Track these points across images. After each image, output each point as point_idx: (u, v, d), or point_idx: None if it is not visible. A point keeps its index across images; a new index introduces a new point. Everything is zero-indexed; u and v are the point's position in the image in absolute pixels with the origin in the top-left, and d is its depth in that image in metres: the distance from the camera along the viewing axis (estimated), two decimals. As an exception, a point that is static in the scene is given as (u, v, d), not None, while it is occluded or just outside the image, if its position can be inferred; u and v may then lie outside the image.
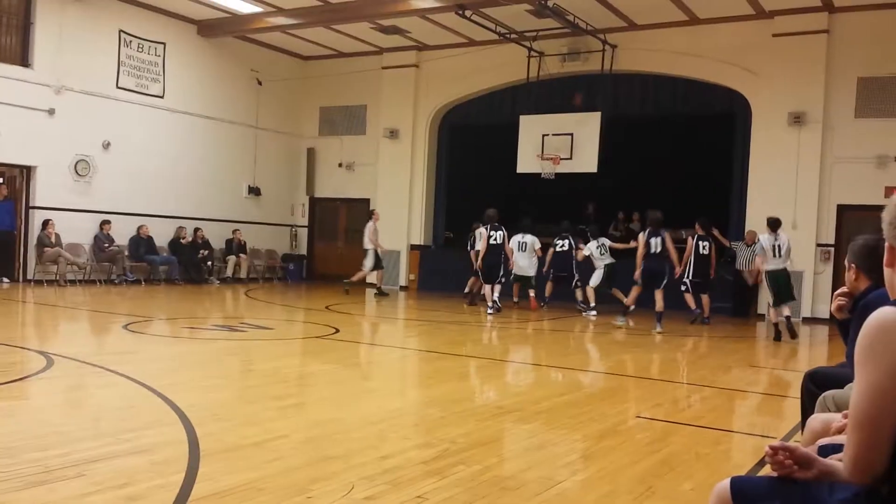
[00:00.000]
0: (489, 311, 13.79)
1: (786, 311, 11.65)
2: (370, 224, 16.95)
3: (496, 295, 14.12)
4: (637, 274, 12.42)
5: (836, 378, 4.05)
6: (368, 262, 16.88)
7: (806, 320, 15.23)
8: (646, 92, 17.55)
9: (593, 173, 16.55)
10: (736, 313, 15.53)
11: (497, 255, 14.35)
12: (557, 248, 15.10)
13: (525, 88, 17.99)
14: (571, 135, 16.85)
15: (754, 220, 15.84)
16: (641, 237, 12.60)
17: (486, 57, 18.59)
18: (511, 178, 17.65)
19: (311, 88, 21.40)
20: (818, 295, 15.21)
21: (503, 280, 14.40)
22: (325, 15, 17.05)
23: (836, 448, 2.89)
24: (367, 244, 16.91)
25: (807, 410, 4.14)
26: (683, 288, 13.59)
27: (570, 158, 16.76)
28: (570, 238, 15.07)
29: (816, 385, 4.14)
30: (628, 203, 18.82)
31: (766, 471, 2.31)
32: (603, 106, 16.88)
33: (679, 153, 17.88)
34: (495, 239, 14.32)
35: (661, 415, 6.08)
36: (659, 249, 12.41)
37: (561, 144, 16.88)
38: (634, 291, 12.64)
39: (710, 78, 16.61)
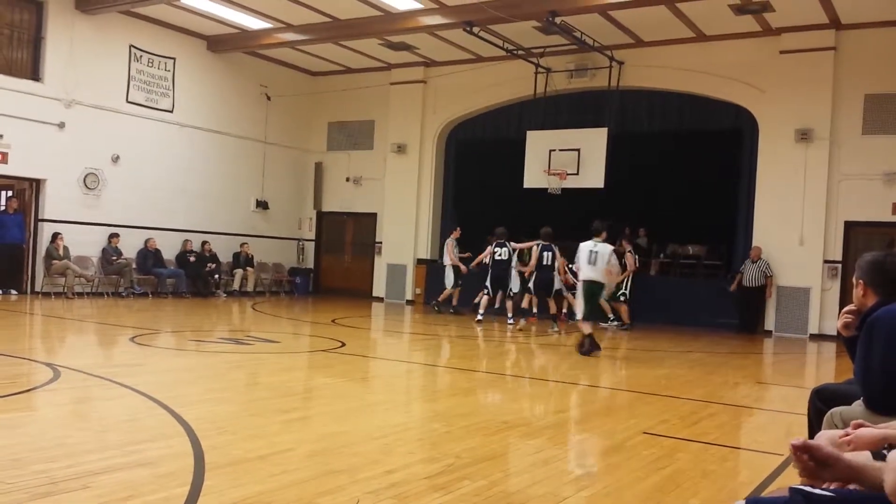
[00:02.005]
0: (509, 322, 14.73)
1: (587, 328, 10.74)
2: (449, 240, 17.13)
3: (481, 310, 14.98)
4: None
5: (843, 395, 4.04)
6: (448, 279, 16.95)
7: (813, 337, 15.17)
8: (653, 108, 17.58)
9: (600, 188, 16.56)
10: (743, 329, 15.49)
11: (502, 269, 14.98)
12: (496, 257, 15.03)
13: (532, 104, 18.05)
14: (578, 150, 16.88)
15: (761, 236, 15.84)
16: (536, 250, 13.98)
17: (494, 73, 18.67)
18: (518, 193, 17.67)
19: (320, 103, 21.51)
20: (825, 312, 15.16)
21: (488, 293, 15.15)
22: (334, 31, 17.16)
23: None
24: (447, 260, 17.07)
25: (814, 427, 4.12)
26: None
27: (577, 174, 16.79)
28: (508, 246, 15.12)
29: (823, 402, 4.12)
30: (635, 218, 18.81)
31: (777, 486, 2.31)
32: (610, 122, 16.92)
33: (686, 169, 17.87)
34: (500, 255, 14.93)
35: (667, 431, 6.05)
36: (549, 262, 13.80)
37: (568, 160, 16.91)
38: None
39: (717, 94, 16.63)
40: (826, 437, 3.38)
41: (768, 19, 15.24)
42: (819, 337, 15.13)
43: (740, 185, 16.86)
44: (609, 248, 10.79)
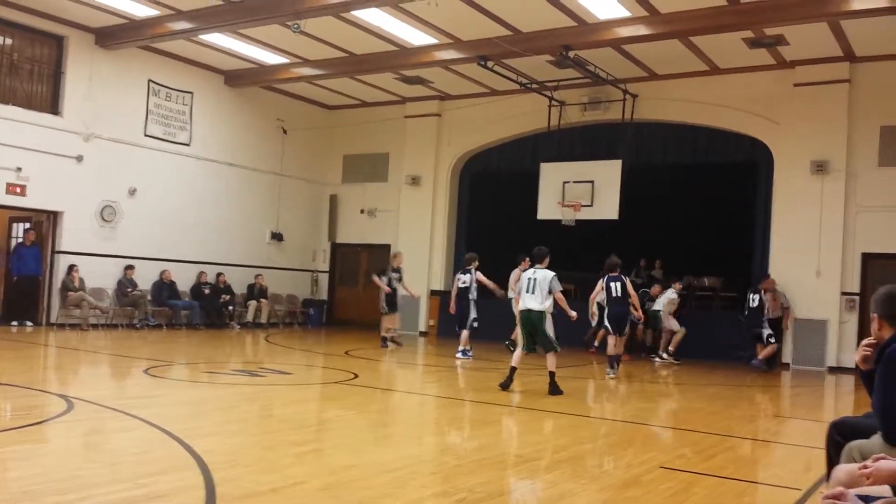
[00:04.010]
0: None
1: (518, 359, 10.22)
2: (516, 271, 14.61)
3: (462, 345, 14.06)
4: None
5: (861, 428, 3.98)
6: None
7: (831, 370, 14.99)
8: (667, 140, 17.60)
9: (614, 220, 16.53)
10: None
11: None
12: (459, 285, 14.27)
13: (546, 137, 18.12)
14: (592, 182, 16.90)
15: (778, 268, 15.73)
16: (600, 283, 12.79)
17: (508, 106, 18.78)
18: (532, 224, 17.66)
19: (335, 137, 21.68)
20: (843, 344, 14.99)
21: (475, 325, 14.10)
22: (350, 66, 17.34)
23: (868, 499, 2.83)
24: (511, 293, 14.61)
25: (832, 461, 4.06)
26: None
27: (591, 205, 16.78)
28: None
29: (842, 435, 4.06)
30: (650, 250, 18.76)
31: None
32: (624, 154, 16.94)
33: (701, 201, 17.86)
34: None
35: (684, 465, 5.97)
36: (619, 294, 12.52)
37: (582, 191, 16.93)
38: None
39: (732, 127, 16.64)
40: (845, 471, 3.33)
41: (782, 52, 15.28)
42: (837, 370, 14.94)
43: (756, 217, 16.80)
44: (550, 274, 9.96)
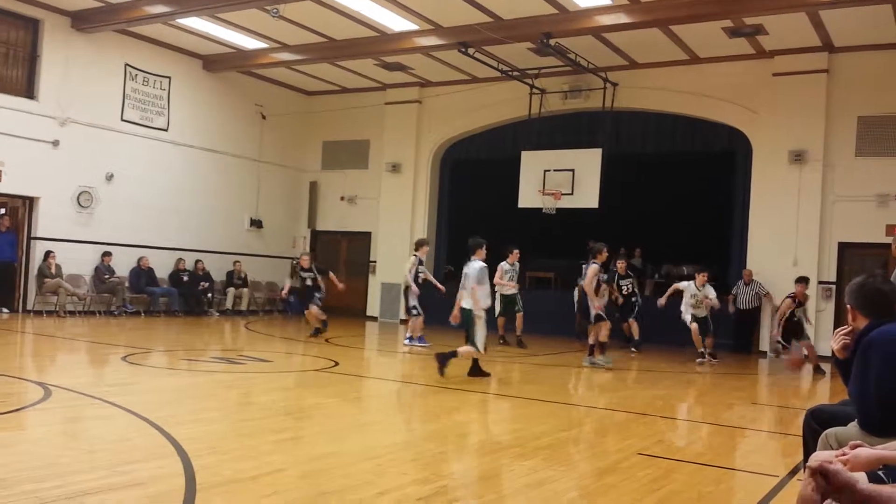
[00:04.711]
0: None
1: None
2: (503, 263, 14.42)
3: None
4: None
5: (838, 416, 4.03)
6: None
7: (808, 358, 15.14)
8: (647, 129, 17.66)
9: (594, 209, 16.59)
10: (737, 349, 15.47)
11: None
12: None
13: (526, 124, 18.11)
14: (573, 170, 16.93)
15: (755, 257, 15.87)
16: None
17: (488, 93, 18.74)
18: (512, 212, 17.69)
19: (315, 123, 21.56)
20: (820, 333, 15.11)
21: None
22: (330, 51, 17.22)
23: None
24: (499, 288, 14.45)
25: (809, 448, 4.11)
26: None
27: (572, 194, 16.83)
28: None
29: (818, 423, 4.11)
30: (630, 238, 18.85)
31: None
32: (604, 142, 16.98)
33: (680, 190, 17.97)
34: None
35: (662, 452, 6.02)
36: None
37: (562, 180, 16.96)
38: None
39: (711, 116, 16.72)
40: (821, 458, 3.36)
41: (762, 42, 15.35)
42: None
43: (734, 206, 16.92)
44: (477, 265, 9.37)
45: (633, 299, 14.84)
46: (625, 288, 14.68)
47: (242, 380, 9.22)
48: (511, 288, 14.43)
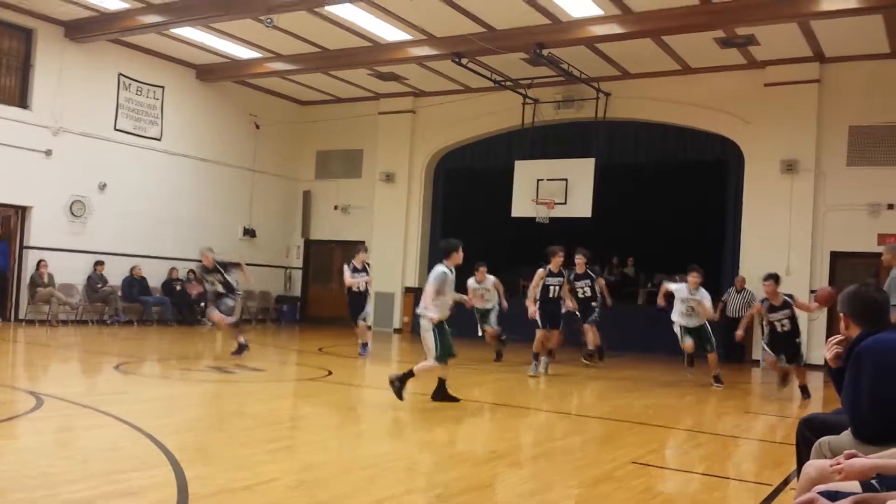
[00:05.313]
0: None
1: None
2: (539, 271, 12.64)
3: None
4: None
5: (831, 424, 4.03)
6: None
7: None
8: (639, 139, 17.71)
9: (588, 218, 16.62)
10: (729, 358, 15.47)
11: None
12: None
13: (520, 134, 18.16)
14: (566, 180, 16.98)
15: (747, 266, 15.91)
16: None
17: (482, 103, 18.78)
18: (506, 221, 17.71)
19: (308, 132, 21.57)
20: (812, 341, 15.14)
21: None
22: (324, 61, 17.26)
23: (837, 495, 2.87)
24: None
25: (802, 457, 4.11)
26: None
27: (565, 203, 16.87)
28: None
29: (812, 431, 4.12)
30: (623, 248, 18.91)
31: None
32: (597, 152, 17.02)
33: (673, 199, 18.03)
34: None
35: (656, 461, 6.02)
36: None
37: (556, 189, 17.00)
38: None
39: (703, 126, 16.79)
40: (815, 467, 3.37)
41: (753, 52, 15.44)
42: (806, 367, 15.09)
43: (727, 216, 16.96)
44: (438, 269, 8.40)
45: (593, 304, 12.89)
46: (580, 290, 12.87)
47: (236, 389, 9.20)
48: (482, 303, 13.29)
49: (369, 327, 13.42)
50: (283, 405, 8.43)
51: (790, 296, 10.91)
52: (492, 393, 10.24)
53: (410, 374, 8.17)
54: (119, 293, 16.90)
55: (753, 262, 15.85)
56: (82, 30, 15.90)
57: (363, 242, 15.31)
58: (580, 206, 16.72)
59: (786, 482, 5.38)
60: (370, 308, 13.38)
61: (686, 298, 11.30)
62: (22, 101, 15.66)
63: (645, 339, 15.99)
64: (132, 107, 17.50)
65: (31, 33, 15.70)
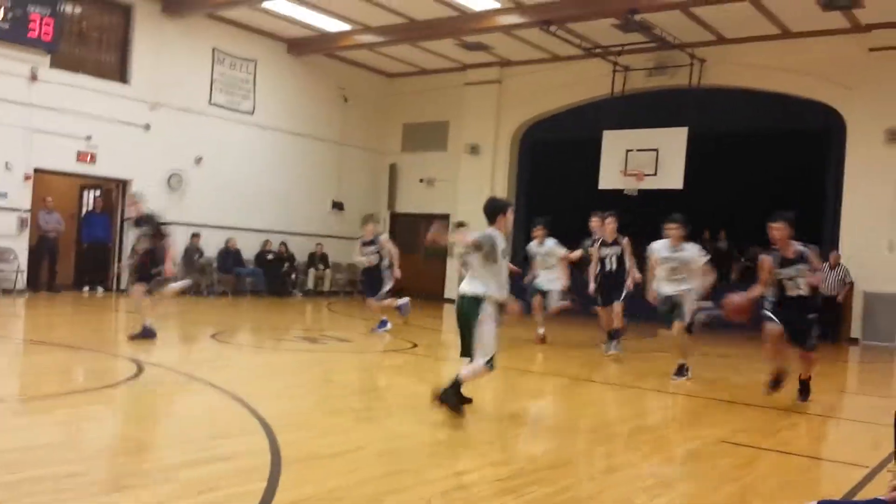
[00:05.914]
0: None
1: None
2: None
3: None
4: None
5: (933, 408, 3.81)
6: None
7: (903, 345, 14.56)
8: (735, 107, 17.09)
9: (678, 189, 16.21)
10: (822, 337, 14.92)
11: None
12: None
13: (609, 103, 17.80)
14: (657, 150, 16.58)
15: (848, 240, 15.27)
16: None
17: (570, 72, 18.49)
18: (593, 194, 17.43)
19: (395, 105, 21.69)
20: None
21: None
22: (411, 32, 17.27)
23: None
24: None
25: (901, 440, 3.91)
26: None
27: (655, 175, 16.48)
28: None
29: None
30: (715, 221, 18.37)
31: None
32: (690, 121, 16.54)
33: (769, 171, 17.37)
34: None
35: (746, 440, 5.88)
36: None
37: (645, 160, 16.62)
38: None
39: (803, 93, 16.10)
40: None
41: (857, 15, 14.68)
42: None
43: (827, 187, 16.29)
44: (489, 234, 6.44)
45: (624, 278, 10.58)
46: (608, 261, 10.63)
47: (324, 359, 9.41)
48: (548, 277, 11.58)
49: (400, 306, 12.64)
50: (369, 375, 8.59)
51: (808, 246, 7.74)
52: (575, 368, 10.16)
53: (458, 384, 6.05)
54: (214, 265, 17.45)
55: (854, 236, 15.21)
56: (179, 5, 16.33)
57: (373, 215, 14.63)
58: (671, 177, 16.30)
59: (882, 465, 5.19)
60: (389, 285, 12.43)
61: (668, 258, 8.92)
62: (122, 76, 16.21)
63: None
64: (226, 81, 17.92)
65: (129, 9, 16.19)
